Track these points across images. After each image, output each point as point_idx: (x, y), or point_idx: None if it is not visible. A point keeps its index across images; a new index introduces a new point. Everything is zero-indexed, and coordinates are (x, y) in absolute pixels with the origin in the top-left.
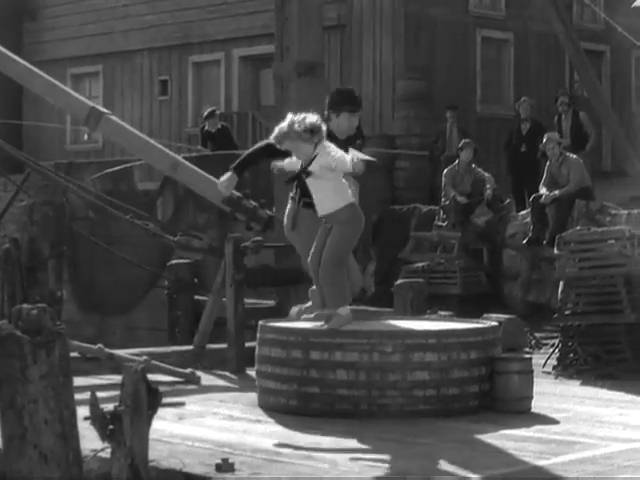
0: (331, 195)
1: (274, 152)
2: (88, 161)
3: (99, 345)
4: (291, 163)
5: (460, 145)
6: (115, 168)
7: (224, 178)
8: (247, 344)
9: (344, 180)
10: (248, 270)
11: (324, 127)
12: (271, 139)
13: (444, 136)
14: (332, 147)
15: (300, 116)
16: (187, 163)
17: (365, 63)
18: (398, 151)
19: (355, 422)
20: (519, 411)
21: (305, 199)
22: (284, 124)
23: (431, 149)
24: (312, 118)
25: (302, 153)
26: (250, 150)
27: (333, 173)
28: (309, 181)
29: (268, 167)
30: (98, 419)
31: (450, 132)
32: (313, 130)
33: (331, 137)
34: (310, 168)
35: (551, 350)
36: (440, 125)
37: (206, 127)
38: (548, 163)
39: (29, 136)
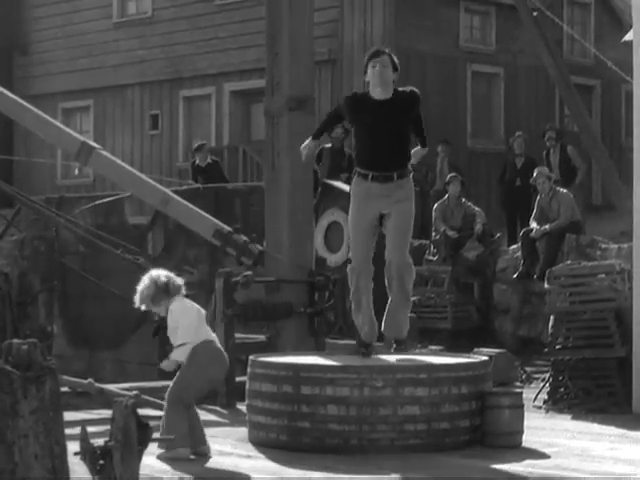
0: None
1: (339, 115)
2: (79, 196)
3: (89, 380)
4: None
5: (447, 179)
6: (104, 200)
7: (305, 143)
8: (238, 379)
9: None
10: (238, 305)
11: (176, 285)
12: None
13: (434, 170)
14: (177, 311)
15: (153, 277)
16: (178, 198)
17: None
18: None
19: (346, 457)
20: (510, 445)
21: None
22: (142, 287)
23: (421, 183)
24: (161, 278)
25: (161, 309)
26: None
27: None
28: (168, 332)
29: (258, 202)
30: (88, 454)
31: (441, 166)
32: (166, 289)
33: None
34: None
35: (542, 384)
36: (430, 159)
37: (197, 161)
38: (538, 197)
39: (20, 170)
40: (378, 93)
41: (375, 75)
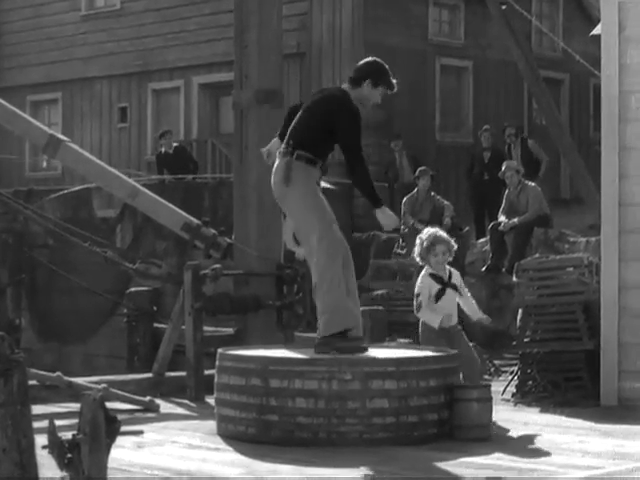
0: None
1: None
2: (48, 188)
3: (58, 373)
4: None
5: (417, 174)
6: (73, 189)
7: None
8: (206, 372)
9: None
10: (207, 298)
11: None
12: (421, 248)
13: (394, 166)
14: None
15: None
16: (146, 191)
17: None
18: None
19: (314, 450)
20: (478, 439)
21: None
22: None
23: (387, 180)
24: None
25: (445, 260)
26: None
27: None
28: (450, 291)
29: (227, 195)
30: (56, 447)
31: (399, 161)
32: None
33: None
34: (454, 281)
35: (510, 377)
36: (388, 155)
37: (163, 149)
38: (507, 191)
39: None
40: (362, 106)
41: (374, 101)
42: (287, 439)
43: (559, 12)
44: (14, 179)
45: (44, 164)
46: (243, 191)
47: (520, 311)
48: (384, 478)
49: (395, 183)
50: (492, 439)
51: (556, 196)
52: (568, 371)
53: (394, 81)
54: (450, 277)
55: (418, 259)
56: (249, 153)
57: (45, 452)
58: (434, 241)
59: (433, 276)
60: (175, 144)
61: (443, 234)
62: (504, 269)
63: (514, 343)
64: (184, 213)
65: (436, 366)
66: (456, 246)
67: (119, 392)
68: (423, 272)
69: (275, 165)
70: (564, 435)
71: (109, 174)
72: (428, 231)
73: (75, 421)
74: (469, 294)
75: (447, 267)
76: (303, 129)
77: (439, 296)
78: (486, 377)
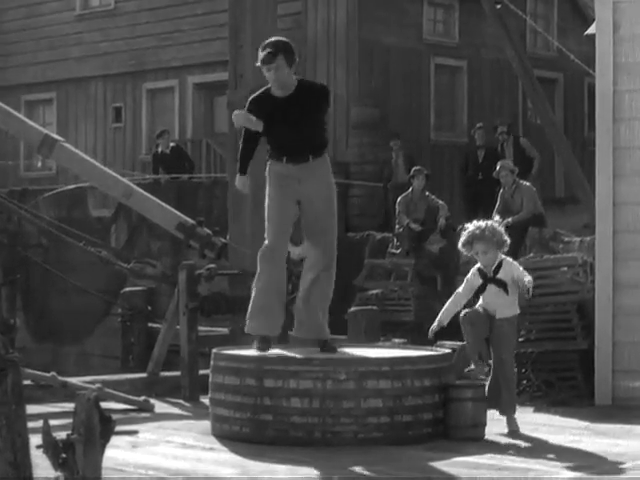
0: (510, 304)
1: (253, 137)
2: (42, 188)
3: (52, 373)
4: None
5: (411, 173)
6: (67, 187)
7: (240, 182)
8: (201, 372)
9: None
10: (202, 298)
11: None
12: (460, 244)
13: (389, 165)
14: (515, 263)
15: (490, 224)
16: (141, 190)
17: None
18: (355, 182)
19: (309, 450)
20: (473, 438)
21: None
22: (479, 227)
23: (381, 179)
24: (501, 229)
25: (489, 258)
26: (240, 151)
27: (515, 287)
28: (492, 287)
29: (222, 195)
30: (51, 447)
31: (396, 160)
32: (506, 241)
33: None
34: (501, 276)
35: None
36: (385, 154)
37: (160, 148)
38: (501, 190)
39: None
40: (279, 94)
41: (271, 80)
42: (282, 439)
43: (554, 11)
44: (9, 179)
45: (39, 164)
46: (238, 191)
47: None
48: (379, 478)
49: (389, 182)
50: (486, 439)
51: (550, 195)
52: (562, 371)
53: (261, 54)
54: (497, 271)
55: (463, 250)
56: None
57: (39, 452)
58: (472, 239)
59: (480, 271)
60: (172, 144)
61: (486, 232)
62: None
63: None
64: (178, 213)
65: (430, 366)
66: (508, 240)
67: (114, 392)
68: (475, 266)
69: None
70: (558, 435)
71: (104, 174)
72: (473, 226)
73: (70, 421)
74: (526, 279)
75: (500, 258)
76: None
77: (480, 292)
78: (481, 377)
